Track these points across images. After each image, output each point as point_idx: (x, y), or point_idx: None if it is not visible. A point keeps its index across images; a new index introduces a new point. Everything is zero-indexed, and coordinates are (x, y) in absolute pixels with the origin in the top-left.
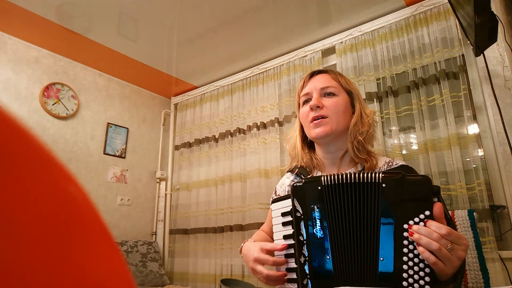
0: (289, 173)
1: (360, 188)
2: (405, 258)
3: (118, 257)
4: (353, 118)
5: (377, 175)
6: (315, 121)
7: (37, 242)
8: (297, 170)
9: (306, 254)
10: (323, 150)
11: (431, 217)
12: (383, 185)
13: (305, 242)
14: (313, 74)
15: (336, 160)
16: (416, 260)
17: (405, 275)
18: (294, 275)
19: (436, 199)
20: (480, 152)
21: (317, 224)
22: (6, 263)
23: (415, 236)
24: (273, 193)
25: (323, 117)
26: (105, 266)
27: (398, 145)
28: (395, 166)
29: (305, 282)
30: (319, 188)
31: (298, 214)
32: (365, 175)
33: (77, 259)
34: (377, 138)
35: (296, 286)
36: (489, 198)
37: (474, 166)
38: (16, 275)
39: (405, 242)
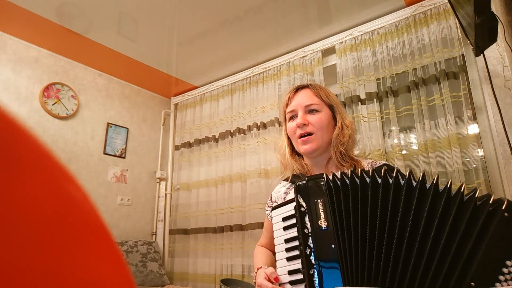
0: (284, 181)
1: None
2: None
3: (118, 257)
4: (335, 131)
5: (504, 201)
6: (302, 138)
7: (37, 242)
8: (291, 178)
9: (312, 246)
10: (311, 161)
11: None
12: (505, 214)
13: (310, 234)
14: (297, 90)
15: (323, 167)
16: None
17: None
18: (297, 276)
19: None
20: (480, 152)
21: (321, 217)
22: (6, 263)
23: None
24: (269, 199)
25: (309, 134)
26: (105, 266)
27: (398, 145)
28: (378, 165)
29: (311, 272)
30: (322, 183)
31: (303, 209)
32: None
33: (77, 259)
34: (357, 144)
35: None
36: None
37: (474, 166)
38: (17, 275)
39: (501, 277)
